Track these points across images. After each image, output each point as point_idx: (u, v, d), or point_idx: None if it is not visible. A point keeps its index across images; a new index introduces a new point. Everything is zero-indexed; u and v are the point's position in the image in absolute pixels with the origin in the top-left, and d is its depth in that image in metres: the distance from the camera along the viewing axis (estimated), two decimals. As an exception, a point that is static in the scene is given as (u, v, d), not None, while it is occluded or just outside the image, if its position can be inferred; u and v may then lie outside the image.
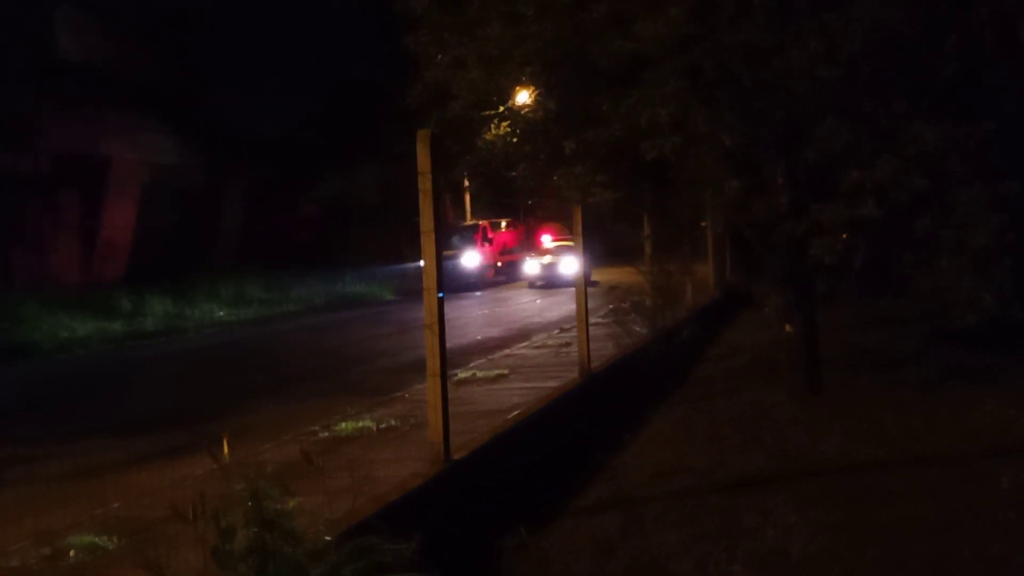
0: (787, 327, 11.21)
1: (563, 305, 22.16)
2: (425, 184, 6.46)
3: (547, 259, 32.61)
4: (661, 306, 14.41)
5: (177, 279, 25.88)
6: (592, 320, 11.16)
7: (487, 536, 6.63)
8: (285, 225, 34.73)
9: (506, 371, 11.59)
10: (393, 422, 8.67)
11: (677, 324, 14.47)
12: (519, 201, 40.07)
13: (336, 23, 32.43)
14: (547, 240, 36.14)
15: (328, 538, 4.62)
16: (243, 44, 29.97)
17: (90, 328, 20.97)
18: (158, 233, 29.11)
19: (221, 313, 24.85)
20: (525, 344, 14.71)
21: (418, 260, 7.04)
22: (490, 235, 34.91)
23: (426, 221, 6.48)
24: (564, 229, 36.50)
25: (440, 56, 12.17)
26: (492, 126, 12.58)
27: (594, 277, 29.59)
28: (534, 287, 31.98)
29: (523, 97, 12.80)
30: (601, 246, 18.56)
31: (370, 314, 24.54)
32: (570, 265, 29.90)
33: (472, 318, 21.81)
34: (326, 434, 8.37)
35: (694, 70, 9.78)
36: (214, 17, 30.01)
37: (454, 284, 30.20)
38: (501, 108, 12.56)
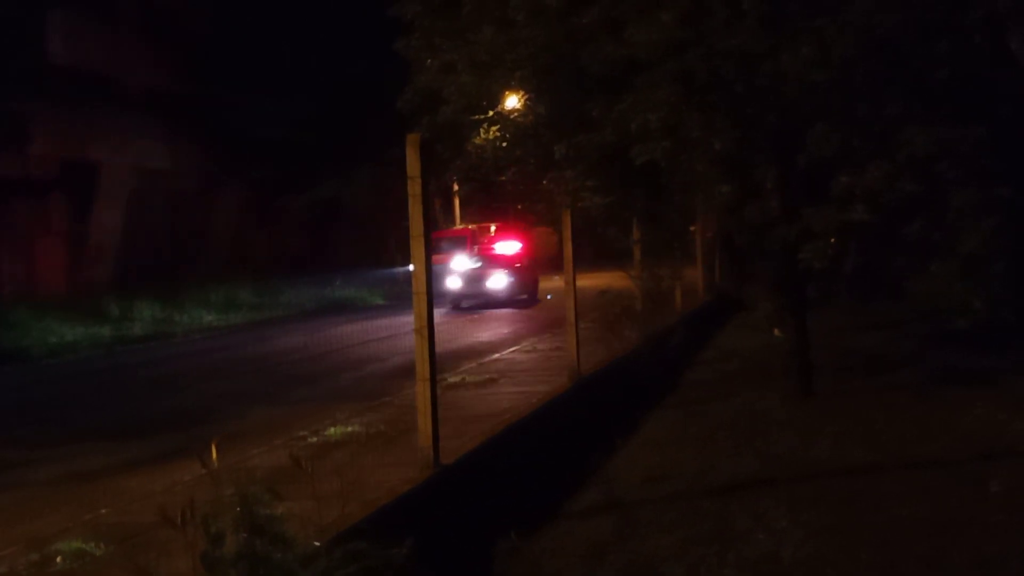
0: (777, 331, 11.22)
1: (554, 310, 22.13)
2: (415, 189, 6.43)
3: (473, 268, 26.54)
4: (651, 310, 14.40)
5: (167, 284, 25.78)
6: (582, 324, 11.13)
7: (479, 541, 6.60)
8: (276, 229, 34.67)
9: (496, 375, 11.56)
10: (383, 427, 8.64)
11: (668, 328, 14.46)
12: (509, 206, 39.93)
13: (331, 26, 32.42)
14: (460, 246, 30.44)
15: (318, 543, 4.59)
16: (237, 47, 29.95)
17: (79, 333, 20.87)
18: (148, 237, 29.03)
19: (210, 318, 24.75)
20: (515, 348, 14.69)
21: (408, 264, 7.01)
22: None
23: (416, 226, 6.46)
24: (516, 230, 31.90)
25: (431, 61, 12.16)
26: (482, 130, 12.57)
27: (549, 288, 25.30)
28: (459, 308, 25.69)
29: (512, 102, 12.80)
30: (589, 250, 18.42)
31: (360, 319, 24.46)
32: (499, 279, 25.77)
33: (462, 322, 21.77)
34: (316, 439, 8.33)
35: (686, 75, 9.78)
36: (208, 20, 30.00)
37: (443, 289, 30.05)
38: (491, 112, 12.55)
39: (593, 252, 19.05)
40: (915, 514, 6.81)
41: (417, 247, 6.47)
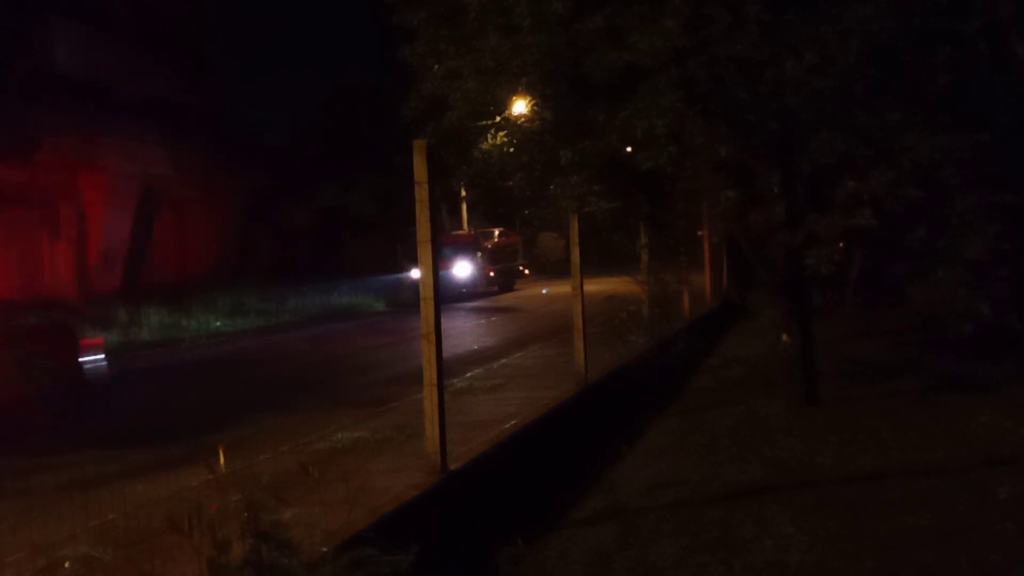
0: (783, 337, 11.22)
1: (561, 314, 22.13)
2: (421, 194, 6.45)
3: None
4: (658, 316, 14.41)
5: (174, 290, 25.83)
6: (589, 330, 11.15)
7: (484, 547, 6.61)
8: (281, 235, 34.72)
9: (503, 381, 11.58)
10: (390, 433, 8.66)
11: (673, 334, 14.46)
12: (516, 211, 39.91)
13: (334, 34, 32.51)
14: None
15: (325, 550, 4.61)
16: (242, 55, 30.04)
17: (86, 339, 20.89)
18: (155, 244, 29.12)
19: (217, 324, 24.77)
20: (521, 354, 14.69)
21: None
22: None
23: (423, 231, 6.48)
24: None
25: (437, 67, 12.18)
26: (489, 136, 12.58)
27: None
28: None
29: (520, 107, 12.80)
30: (597, 255, 18.18)
31: (366, 325, 24.51)
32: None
33: (467, 328, 21.79)
34: (323, 445, 8.35)
35: (689, 82, 9.80)
36: (214, 26, 30.09)
37: (447, 294, 30.05)
38: (497, 118, 12.56)
39: (599, 257, 19.05)
40: (920, 522, 6.83)
41: (424, 252, 6.50)
